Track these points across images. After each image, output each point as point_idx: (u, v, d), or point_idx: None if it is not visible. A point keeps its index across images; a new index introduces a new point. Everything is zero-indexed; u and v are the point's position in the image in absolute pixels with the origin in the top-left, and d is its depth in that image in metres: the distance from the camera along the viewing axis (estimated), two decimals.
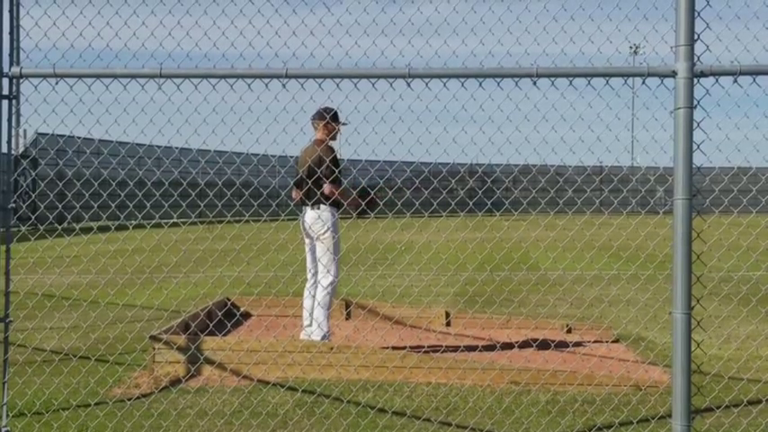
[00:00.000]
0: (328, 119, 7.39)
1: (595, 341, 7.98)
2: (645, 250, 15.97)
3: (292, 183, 7.78)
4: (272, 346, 6.49)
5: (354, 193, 7.74)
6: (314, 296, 7.52)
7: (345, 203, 7.54)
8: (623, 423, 5.30)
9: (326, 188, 7.26)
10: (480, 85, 4.31)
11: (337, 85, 4.35)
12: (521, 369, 6.27)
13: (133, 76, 4.38)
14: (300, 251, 7.65)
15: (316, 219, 7.31)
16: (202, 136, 4.99)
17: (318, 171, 7.13)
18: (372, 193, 7.64)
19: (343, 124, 7.53)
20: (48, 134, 28.28)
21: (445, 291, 11.78)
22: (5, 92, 4.47)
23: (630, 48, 61.51)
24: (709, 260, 4.54)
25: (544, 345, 7.58)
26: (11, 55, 4.55)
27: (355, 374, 6.36)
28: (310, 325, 7.53)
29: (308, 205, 7.42)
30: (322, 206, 7.33)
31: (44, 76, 4.41)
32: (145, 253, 13.39)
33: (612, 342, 8.00)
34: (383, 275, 12.77)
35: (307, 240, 7.56)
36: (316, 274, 7.56)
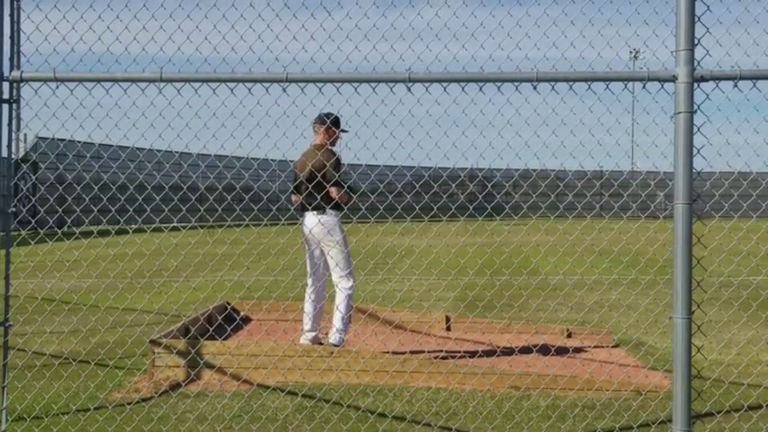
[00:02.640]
0: (329, 123, 7.35)
1: (596, 346, 7.98)
2: (645, 255, 15.94)
3: (292, 187, 7.73)
4: (272, 351, 6.48)
5: (356, 197, 7.71)
6: (314, 300, 7.50)
7: (346, 207, 7.50)
8: (624, 428, 5.29)
9: (333, 191, 7.22)
10: (481, 89, 4.31)
11: (338, 90, 4.35)
12: (521, 374, 6.27)
13: (134, 81, 4.38)
14: (300, 255, 7.64)
15: (324, 223, 7.24)
16: (203, 140, 5.00)
17: (318, 175, 7.09)
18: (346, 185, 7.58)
19: (343, 131, 7.49)
20: (48, 138, 28.33)
21: (445, 295, 11.77)
22: (6, 96, 4.47)
23: (630, 53, 61.53)
24: (710, 265, 4.55)
25: (544, 349, 7.56)
26: (11, 59, 4.55)
27: (355, 379, 6.35)
28: (311, 330, 7.52)
29: (309, 210, 7.39)
30: (329, 211, 7.27)
31: (44, 80, 4.41)
32: (145, 257, 13.37)
33: (613, 347, 7.99)
34: (383, 280, 12.76)
35: (307, 246, 7.53)
36: (316, 279, 7.53)
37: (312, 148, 7.46)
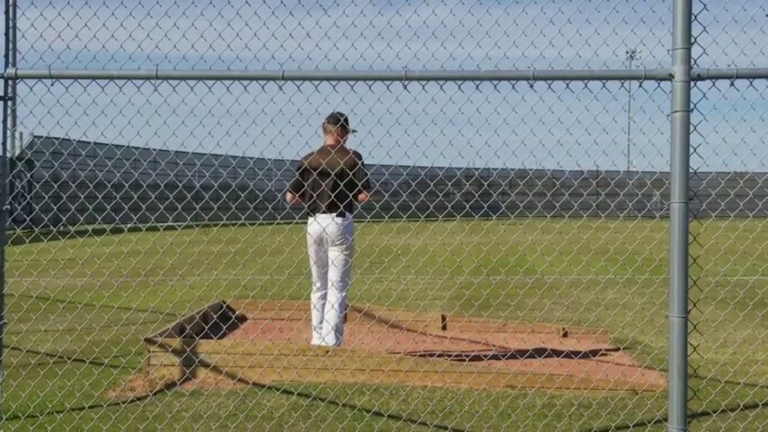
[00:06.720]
0: (342, 122, 7.18)
1: (592, 345, 7.98)
2: (641, 254, 15.98)
3: (295, 188, 7.47)
4: (267, 350, 6.47)
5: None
6: (324, 305, 7.38)
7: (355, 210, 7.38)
8: (620, 427, 5.29)
9: (363, 195, 7.09)
10: (477, 87, 4.31)
11: (334, 88, 4.34)
12: (517, 373, 6.27)
13: (129, 78, 4.37)
14: (296, 254, 7.62)
15: (344, 226, 7.08)
16: (198, 138, 4.97)
17: (333, 173, 6.90)
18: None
19: (353, 131, 7.39)
20: (43, 136, 28.26)
21: (441, 294, 11.76)
22: (1, 93, 4.45)
23: (627, 52, 61.62)
24: (706, 264, 4.54)
25: (540, 348, 7.57)
26: (6, 56, 4.54)
27: (351, 378, 6.35)
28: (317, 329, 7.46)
29: (325, 211, 7.09)
30: (348, 214, 7.13)
31: (40, 78, 4.40)
32: (140, 255, 13.36)
33: (609, 346, 7.99)
34: (379, 279, 12.76)
35: (316, 247, 7.27)
36: (326, 282, 7.39)
37: (328, 148, 7.19)
